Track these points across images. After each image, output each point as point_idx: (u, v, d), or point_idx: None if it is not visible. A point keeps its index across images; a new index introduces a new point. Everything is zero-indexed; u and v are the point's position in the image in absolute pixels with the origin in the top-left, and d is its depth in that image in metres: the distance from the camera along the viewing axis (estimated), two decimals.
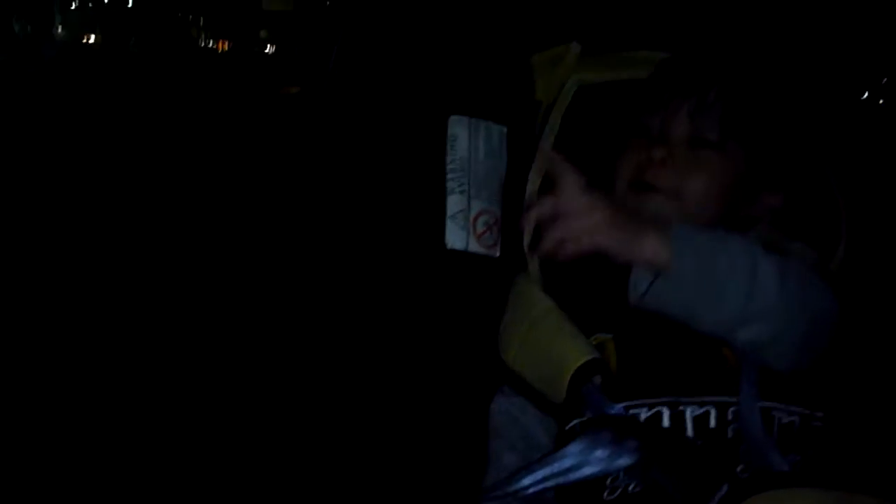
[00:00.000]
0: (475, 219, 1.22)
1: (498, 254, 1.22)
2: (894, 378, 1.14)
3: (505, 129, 1.26)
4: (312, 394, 1.32)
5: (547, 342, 1.03)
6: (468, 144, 1.23)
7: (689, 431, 0.95)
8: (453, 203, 1.22)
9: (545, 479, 0.90)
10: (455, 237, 1.21)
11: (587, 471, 0.89)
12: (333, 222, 1.29)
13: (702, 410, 0.96)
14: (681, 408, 0.96)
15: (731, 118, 1.02)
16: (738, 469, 0.92)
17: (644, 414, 0.97)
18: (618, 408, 0.96)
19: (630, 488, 0.94)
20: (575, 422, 1.00)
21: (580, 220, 0.94)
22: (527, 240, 1.12)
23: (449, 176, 1.22)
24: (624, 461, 0.89)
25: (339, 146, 1.30)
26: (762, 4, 1.53)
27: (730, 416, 0.95)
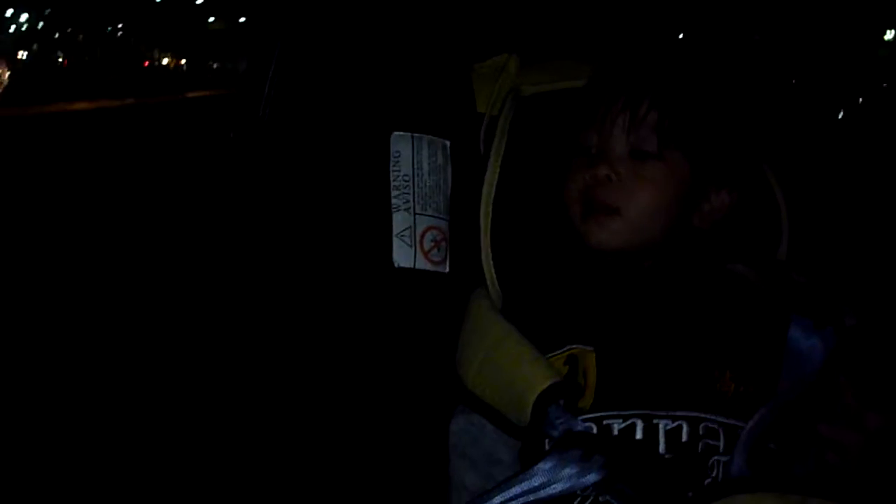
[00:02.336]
0: (422, 235, 1.21)
1: (447, 269, 1.21)
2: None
3: (448, 143, 1.25)
4: (265, 413, 1.28)
5: (507, 367, 1.01)
6: (412, 160, 1.22)
7: (661, 445, 0.95)
8: (399, 221, 1.20)
9: (517, 496, 0.90)
10: (402, 255, 1.19)
11: (557, 487, 0.89)
12: (279, 245, 1.26)
13: (674, 424, 0.96)
14: (654, 421, 0.96)
15: (666, 125, 1.02)
16: (706, 482, 0.94)
17: (618, 425, 0.96)
18: (584, 425, 0.96)
19: (601, 500, 0.93)
20: (536, 440, 0.99)
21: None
22: (485, 256, 1.11)
23: (394, 193, 1.21)
24: (592, 477, 0.89)
25: (280, 166, 1.27)
26: (690, 8, 1.55)
27: (701, 431, 0.96)
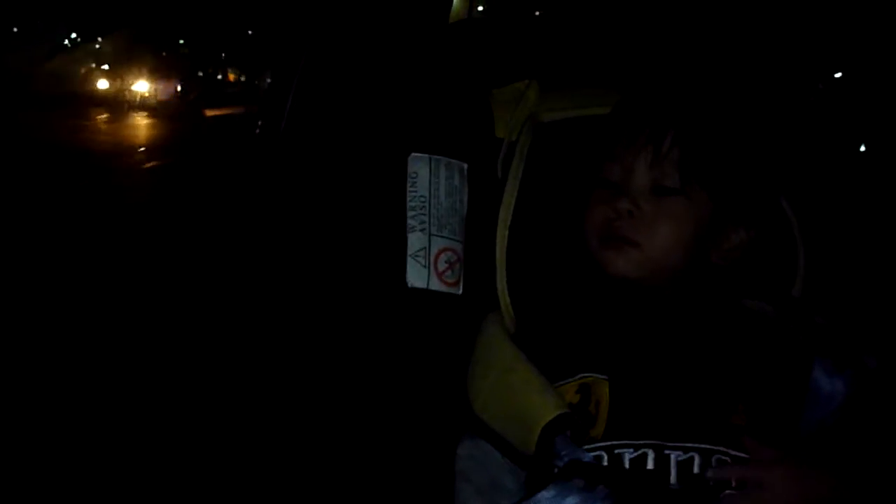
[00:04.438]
0: (437, 256, 1.21)
1: (460, 291, 1.20)
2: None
3: (466, 166, 1.25)
4: (275, 433, 1.28)
5: (515, 395, 1.01)
6: (429, 182, 1.22)
7: (673, 476, 0.94)
8: (414, 241, 1.20)
9: None
10: (416, 275, 1.19)
11: None
12: (295, 260, 1.26)
13: (686, 456, 0.95)
14: (666, 451, 0.95)
15: (689, 162, 1.02)
16: None
17: (629, 455, 0.95)
18: (590, 455, 0.95)
19: None
20: (541, 469, 0.98)
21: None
22: (500, 280, 1.11)
23: (410, 214, 1.21)
24: None
25: (299, 185, 1.28)
26: (712, 42, 1.55)
27: (713, 464, 0.95)
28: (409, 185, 1.22)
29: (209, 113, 15.01)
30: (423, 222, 1.21)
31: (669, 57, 1.46)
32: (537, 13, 1.50)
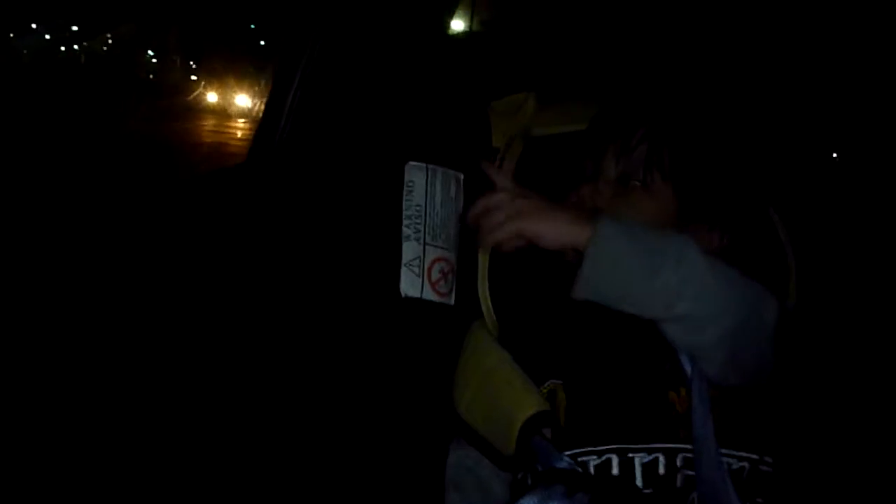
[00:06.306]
0: (430, 266, 1.21)
1: (453, 301, 1.21)
2: (843, 418, 1.13)
3: (462, 176, 1.25)
4: (267, 440, 1.28)
5: (498, 394, 1.02)
6: (425, 191, 1.23)
7: (639, 479, 0.94)
8: (408, 250, 1.21)
9: None
10: (410, 284, 1.19)
11: None
12: (289, 267, 1.27)
13: (650, 458, 0.95)
14: (629, 455, 0.95)
15: (654, 157, 1.04)
16: None
17: (593, 462, 0.96)
18: (567, 460, 0.95)
19: None
20: (523, 473, 0.98)
21: (505, 209, 0.96)
22: (482, 287, 1.11)
23: (405, 222, 1.21)
24: None
25: (295, 192, 1.29)
26: (691, 47, 1.56)
27: (679, 463, 0.94)
28: (405, 193, 1.22)
29: None
30: (417, 231, 1.21)
31: (650, 64, 1.47)
32: (535, 26, 1.51)
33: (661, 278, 0.89)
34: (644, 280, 0.90)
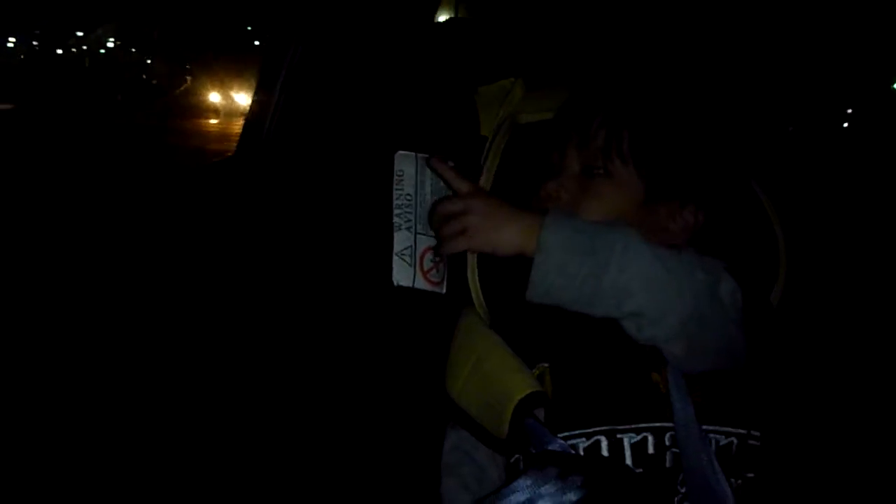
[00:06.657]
0: (422, 255, 1.21)
1: (444, 290, 1.20)
2: (831, 392, 1.13)
3: (451, 164, 1.25)
4: (261, 430, 1.29)
5: (490, 378, 1.02)
6: (415, 180, 1.22)
7: (629, 459, 0.95)
8: (400, 239, 1.20)
9: None
10: (402, 274, 1.19)
11: None
12: (281, 259, 1.27)
13: (639, 437, 0.95)
14: (618, 436, 0.96)
15: (613, 143, 1.04)
16: (677, 498, 0.93)
17: (583, 444, 0.96)
18: (560, 443, 0.95)
19: None
20: (517, 456, 0.98)
21: (459, 223, 0.99)
22: (471, 273, 1.11)
23: (396, 212, 1.21)
24: (572, 496, 0.88)
25: (286, 182, 1.29)
26: (658, 37, 1.55)
27: (667, 442, 0.95)
28: (395, 183, 1.22)
29: None
30: (408, 220, 1.21)
31: (615, 55, 1.47)
32: (521, 12, 1.50)
33: (609, 277, 0.91)
34: (591, 282, 0.92)
